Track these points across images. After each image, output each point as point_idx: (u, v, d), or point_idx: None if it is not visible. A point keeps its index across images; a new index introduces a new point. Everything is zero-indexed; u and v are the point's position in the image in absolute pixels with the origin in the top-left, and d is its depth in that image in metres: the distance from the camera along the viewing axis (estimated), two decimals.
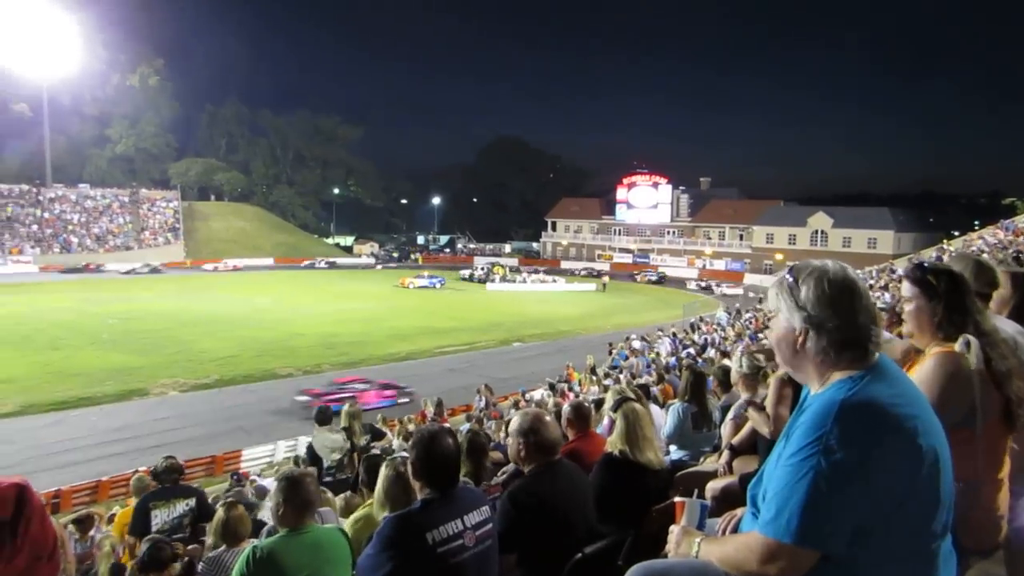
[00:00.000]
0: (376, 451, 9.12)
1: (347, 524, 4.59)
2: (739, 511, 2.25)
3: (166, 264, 75.23)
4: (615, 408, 4.35)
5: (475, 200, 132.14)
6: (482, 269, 75.78)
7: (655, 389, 11.53)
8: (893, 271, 27.57)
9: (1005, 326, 2.69)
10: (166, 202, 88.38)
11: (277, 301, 50.83)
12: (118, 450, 19.82)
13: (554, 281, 71.31)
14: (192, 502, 6.79)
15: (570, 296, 63.39)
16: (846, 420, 1.63)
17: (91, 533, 7.45)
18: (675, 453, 6.09)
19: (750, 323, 26.98)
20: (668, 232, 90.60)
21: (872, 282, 24.49)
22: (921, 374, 2.35)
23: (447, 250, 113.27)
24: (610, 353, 25.48)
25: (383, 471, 3.97)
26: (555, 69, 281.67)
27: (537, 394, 19.75)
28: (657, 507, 3.53)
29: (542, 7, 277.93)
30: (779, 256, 74.26)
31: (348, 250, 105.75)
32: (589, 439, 5.02)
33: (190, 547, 5.66)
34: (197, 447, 19.56)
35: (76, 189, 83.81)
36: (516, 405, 17.38)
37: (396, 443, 11.68)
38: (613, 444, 4.21)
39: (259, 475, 15.49)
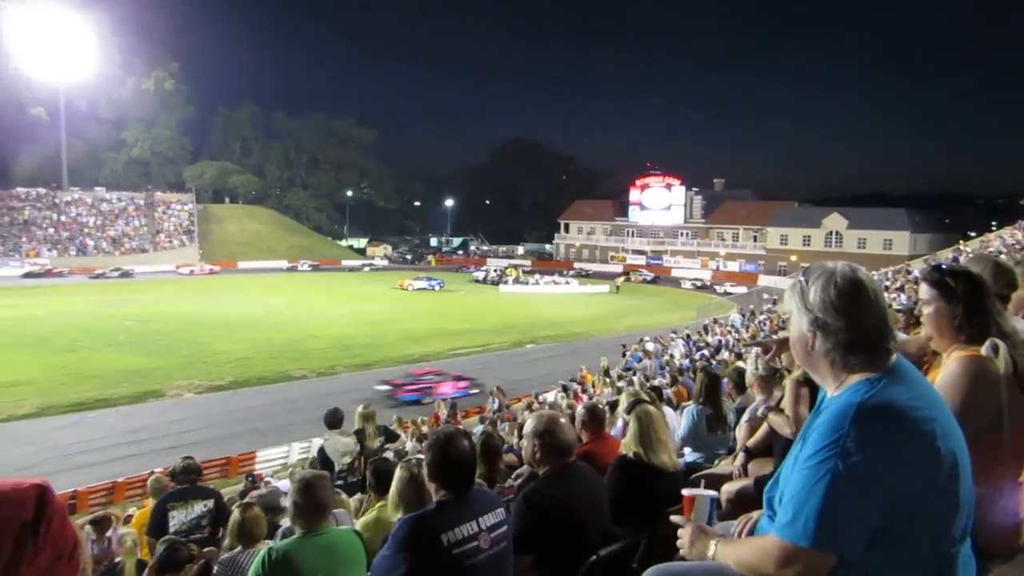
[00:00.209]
0: (389, 453, 9.13)
1: (357, 526, 4.60)
2: (755, 514, 2.23)
3: (179, 266, 75.70)
4: (629, 410, 4.34)
5: (488, 202, 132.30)
6: (495, 271, 75.81)
7: (669, 391, 11.51)
8: (909, 272, 27.37)
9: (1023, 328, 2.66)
10: (181, 205, 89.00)
11: (290, 303, 51.07)
12: (134, 451, 19.97)
13: (567, 283, 71.21)
14: (210, 503, 6.83)
15: (583, 298, 63.31)
16: (863, 423, 1.61)
17: (108, 534, 7.48)
18: (689, 455, 6.07)
19: (765, 324, 26.84)
20: (681, 234, 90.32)
21: (888, 284, 24.31)
22: (946, 378, 2.33)
23: (460, 252, 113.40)
24: (623, 355, 25.44)
25: (398, 473, 3.98)
26: (569, 71, 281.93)
27: (550, 396, 19.74)
28: (671, 510, 3.52)
29: (555, 11, 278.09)
30: (793, 257, 73.87)
31: (362, 252, 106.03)
32: (603, 441, 5.02)
33: (206, 549, 5.69)
34: (212, 448, 19.66)
35: (92, 192, 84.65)
36: (529, 407, 17.38)
37: (410, 445, 11.69)
38: (627, 446, 4.19)
39: (273, 476, 15.54)
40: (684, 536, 2.14)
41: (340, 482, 7.76)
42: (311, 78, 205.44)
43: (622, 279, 73.47)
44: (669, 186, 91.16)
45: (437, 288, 63.43)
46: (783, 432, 4.20)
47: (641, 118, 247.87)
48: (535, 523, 3.29)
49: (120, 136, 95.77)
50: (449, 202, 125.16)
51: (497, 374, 28.58)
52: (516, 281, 69.70)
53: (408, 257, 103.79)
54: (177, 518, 6.57)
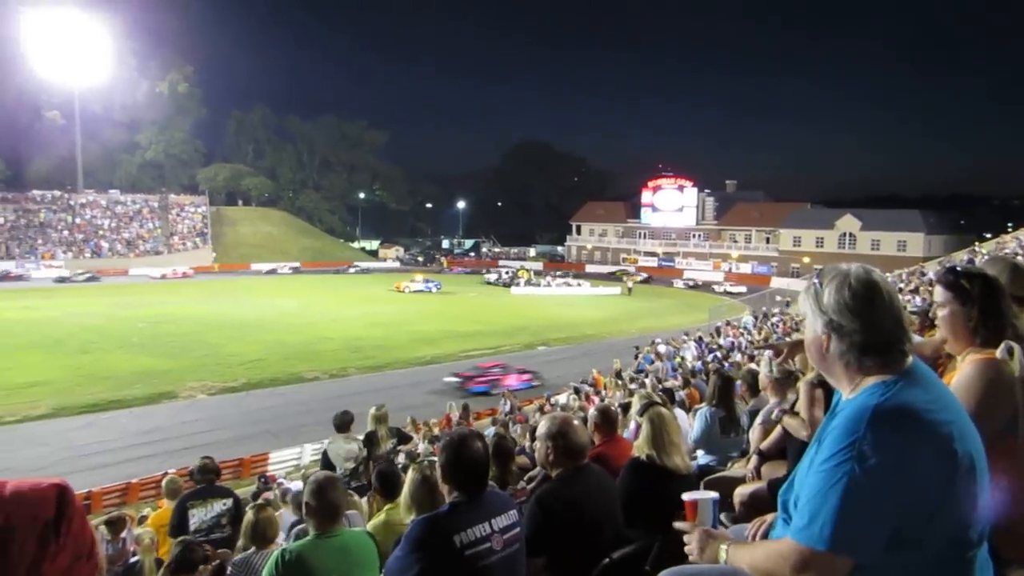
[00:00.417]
0: (401, 455, 9.15)
1: (368, 528, 4.61)
2: (769, 517, 2.22)
3: (195, 268, 76.14)
4: (641, 412, 4.34)
5: (500, 204, 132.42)
6: (507, 273, 75.77)
7: (681, 393, 11.47)
8: (923, 274, 27.16)
9: None
10: (195, 207, 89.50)
11: (303, 305, 51.23)
12: (147, 452, 20.10)
13: (579, 285, 71.11)
14: (229, 502, 6.90)
15: (595, 300, 63.19)
16: (880, 426, 1.60)
17: (123, 535, 7.53)
18: (702, 458, 6.06)
19: (778, 326, 26.72)
20: (694, 235, 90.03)
21: (902, 285, 24.15)
22: (961, 381, 2.31)
23: (472, 254, 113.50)
24: (636, 357, 25.39)
25: (410, 474, 3.99)
26: (580, 72, 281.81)
27: (562, 398, 19.73)
28: (681, 514, 3.51)
29: (568, 11, 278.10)
30: (806, 259, 73.54)
31: (374, 254, 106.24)
32: (615, 443, 5.01)
33: (220, 550, 5.72)
34: (225, 450, 19.70)
35: (107, 195, 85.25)
36: (541, 409, 17.38)
37: (422, 447, 11.72)
38: (640, 449, 4.19)
39: (286, 478, 15.60)
40: (692, 541, 2.13)
41: None
42: (323, 80, 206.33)
43: (632, 281, 73.16)
44: (681, 188, 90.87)
45: (434, 290, 62.96)
46: (798, 435, 4.18)
47: (653, 119, 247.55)
48: (548, 525, 3.29)
49: (134, 139, 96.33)
50: (461, 204, 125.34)
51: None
52: (528, 283, 69.66)
53: (420, 259, 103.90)
54: (197, 516, 6.65)
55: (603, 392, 19.15)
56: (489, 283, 73.08)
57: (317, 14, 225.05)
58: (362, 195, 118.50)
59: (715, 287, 76.04)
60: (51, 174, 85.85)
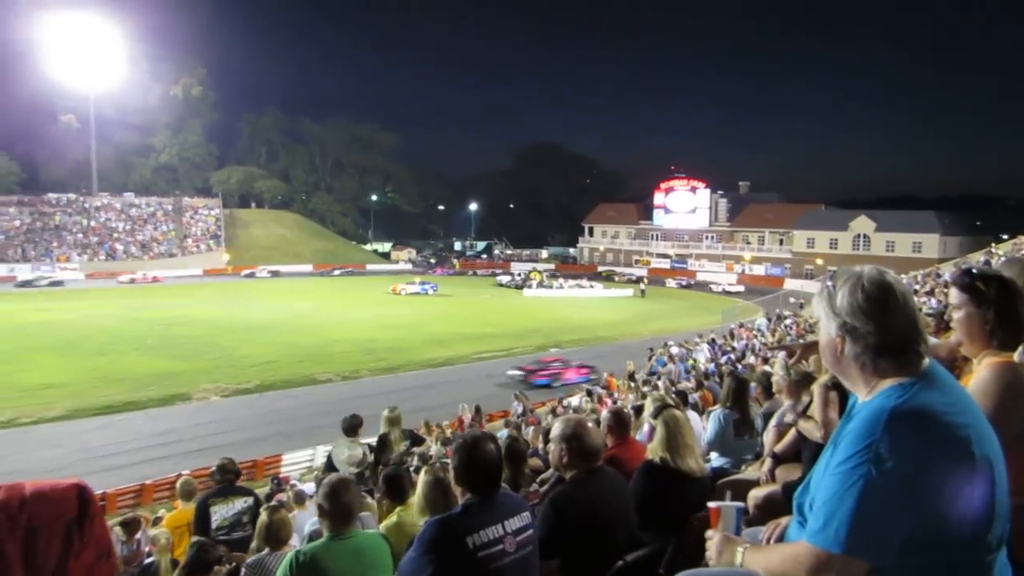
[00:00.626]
0: (414, 457, 9.14)
1: (379, 530, 4.62)
2: (784, 520, 2.21)
3: (208, 271, 76.60)
4: (655, 415, 4.32)
5: (512, 206, 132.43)
6: (519, 275, 75.73)
7: (694, 396, 11.44)
8: (939, 276, 27.01)
9: None
10: (208, 210, 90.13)
11: (316, 307, 51.39)
12: (162, 454, 20.20)
13: (591, 287, 71.03)
14: (250, 500, 6.97)
15: (608, 302, 63.12)
16: (897, 428, 1.59)
17: (137, 536, 7.57)
18: (716, 460, 6.04)
19: (791, 328, 26.60)
20: (706, 237, 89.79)
21: (917, 287, 24.01)
22: (978, 385, 2.29)
23: (484, 256, 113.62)
24: (650, 359, 25.35)
25: (423, 476, 3.99)
26: (593, 74, 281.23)
27: (575, 400, 19.69)
28: (698, 515, 3.50)
29: (579, 13, 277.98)
30: (820, 261, 73.19)
31: (386, 256, 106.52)
32: (629, 446, 5.00)
33: (235, 553, 5.74)
34: (238, 451, 19.65)
35: (121, 198, 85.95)
36: (553, 411, 17.35)
37: (435, 449, 11.72)
38: (654, 451, 4.18)
39: (299, 479, 15.64)
40: (711, 546, 2.13)
41: None
42: (335, 83, 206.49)
43: (642, 283, 73.11)
44: (694, 189, 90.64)
45: (431, 292, 62.60)
46: (813, 437, 4.17)
47: (665, 121, 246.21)
48: (561, 527, 3.29)
49: (148, 142, 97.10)
50: (473, 206, 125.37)
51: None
52: (540, 285, 69.63)
53: (432, 261, 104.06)
54: (219, 513, 6.72)
55: (616, 394, 19.10)
56: (501, 285, 73.12)
57: (328, 17, 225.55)
58: (374, 197, 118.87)
59: (712, 287, 76.56)
60: (66, 177, 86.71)
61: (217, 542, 6.24)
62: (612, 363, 27.91)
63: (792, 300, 49.93)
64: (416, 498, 4.05)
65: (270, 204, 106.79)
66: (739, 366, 17.14)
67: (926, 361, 1.74)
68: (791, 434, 4.54)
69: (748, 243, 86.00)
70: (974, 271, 2.51)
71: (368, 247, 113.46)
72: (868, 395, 1.76)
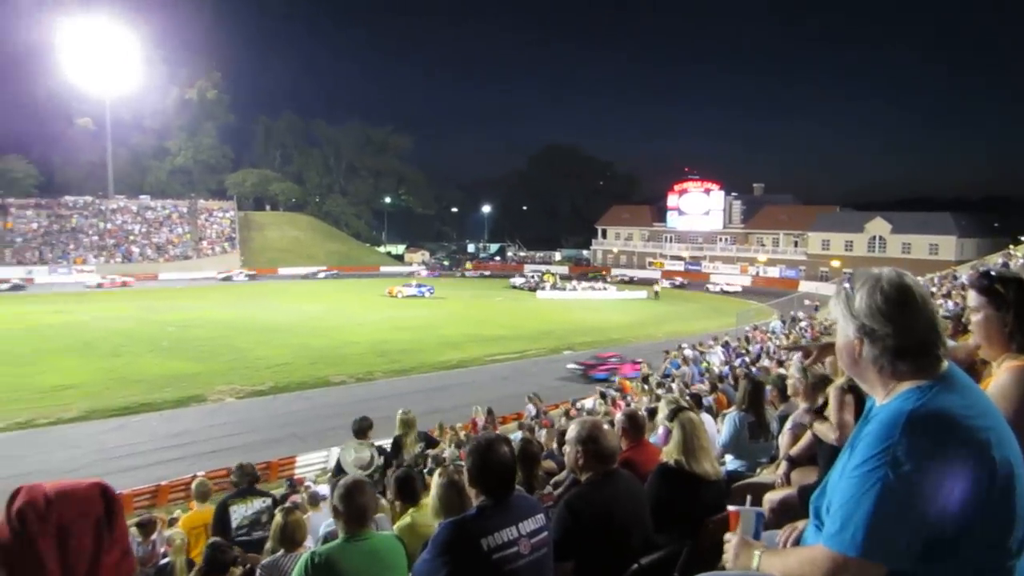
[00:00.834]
0: (428, 460, 9.14)
1: (393, 531, 4.63)
2: (800, 523, 2.20)
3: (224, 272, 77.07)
4: (671, 417, 4.31)
5: (525, 208, 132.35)
6: (532, 277, 75.70)
7: (709, 398, 11.40)
8: (956, 278, 26.76)
9: None
10: (223, 212, 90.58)
11: (330, 310, 51.57)
12: (177, 455, 20.32)
13: (604, 289, 70.91)
14: (268, 500, 7.04)
15: (621, 304, 62.96)
16: (915, 431, 1.58)
17: (153, 537, 7.62)
18: (731, 463, 6.01)
19: (806, 331, 26.47)
20: (720, 239, 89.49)
21: (934, 289, 23.82)
22: (998, 388, 2.27)
23: (497, 258, 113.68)
24: (664, 361, 25.32)
25: (436, 479, 4.00)
26: (606, 76, 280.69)
27: (588, 403, 19.65)
28: (713, 518, 3.49)
29: (592, 15, 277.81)
30: (835, 263, 72.80)
31: (400, 258, 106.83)
32: (643, 448, 4.99)
33: (251, 554, 5.78)
34: (253, 453, 19.85)
35: (137, 200, 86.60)
36: (567, 414, 17.34)
37: (448, 451, 11.73)
38: (669, 454, 4.17)
39: (314, 481, 15.70)
40: (729, 549, 2.13)
41: None
42: (349, 86, 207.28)
43: (655, 286, 73.05)
44: (708, 191, 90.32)
45: (427, 295, 62.01)
46: (827, 439, 4.14)
47: (679, 122, 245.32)
48: (577, 529, 3.29)
49: (164, 145, 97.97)
50: (486, 208, 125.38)
51: (535, 380, 28.57)
52: (553, 287, 69.57)
53: (446, 263, 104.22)
54: (238, 512, 6.80)
55: (629, 397, 19.06)
56: (514, 287, 73.14)
57: (343, 20, 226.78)
58: (388, 200, 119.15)
59: (709, 287, 76.86)
60: (83, 180, 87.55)
61: (237, 542, 6.30)
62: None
63: (807, 302, 49.65)
64: (430, 500, 4.05)
65: (284, 207, 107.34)
66: (753, 369, 17.07)
67: (945, 364, 1.73)
68: (806, 437, 4.52)
69: (762, 245, 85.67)
70: (993, 273, 2.49)
71: (382, 249, 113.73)
72: (886, 398, 1.75)
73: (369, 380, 30.29)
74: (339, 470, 8.10)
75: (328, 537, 4.86)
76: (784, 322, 34.64)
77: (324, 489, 10.32)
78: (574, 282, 73.80)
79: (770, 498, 3.92)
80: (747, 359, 21.49)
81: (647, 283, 76.45)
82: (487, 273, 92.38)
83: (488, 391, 26.20)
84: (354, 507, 3.44)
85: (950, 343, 2.74)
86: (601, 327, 46.95)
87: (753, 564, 2.00)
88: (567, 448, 3.74)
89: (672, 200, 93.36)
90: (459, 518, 2.91)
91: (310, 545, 5.12)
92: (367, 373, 31.36)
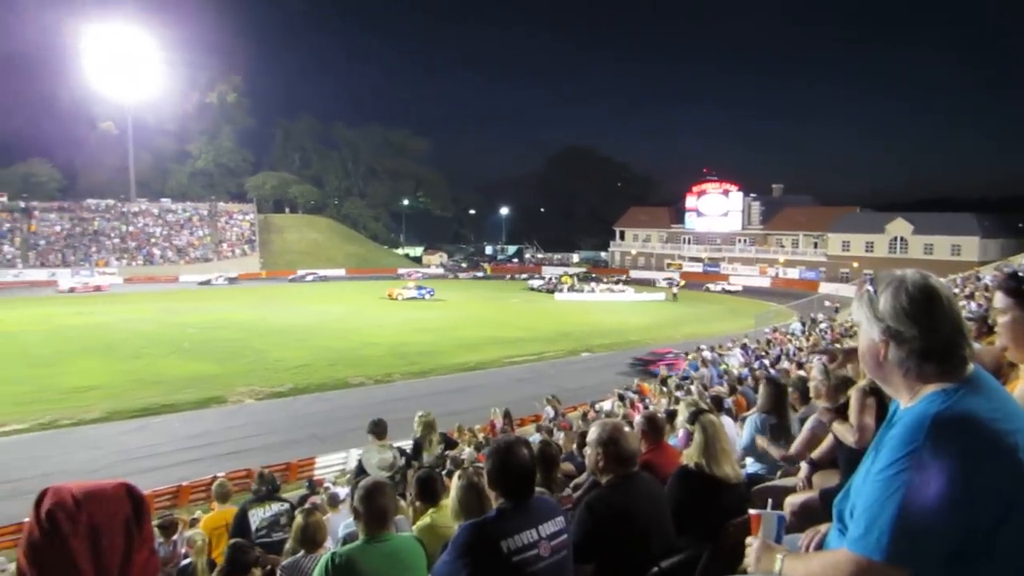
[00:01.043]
0: (448, 462, 9.15)
1: (412, 532, 4.64)
2: (823, 527, 2.19)
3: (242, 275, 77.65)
4: (692, 420, 4.29)
5: (543, 210, 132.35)
6: (550, 279, 75.66)
7: (728, 401, 11.34)
8: (979, 279, 26.46)
9: None
10: (243, 215, 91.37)
11: (350, 311, 51.79)
12: (197, 456, 20.47)
13: (623, 291, 70.73)
14: (286, 505, 7.12)
15: (639, 306, 62.70)
16: (940, 435, 1.57)
17: (174, 537, 7.69)
18: (751, 466, 5.98)
19: (826, 333, 26.27)
20: (739, 240, 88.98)
21: (957, 291, 23.56)
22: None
23: (515, 260, 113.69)
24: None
25: (455, 481, 4.00)
26: (623, 77, 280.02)
27: (607, 405, 19.59)
28: (734, 522, 3.47)
29: (609, 16, 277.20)
30: (856, 264, 72.21)
31: (418, 260, 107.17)
32: (662, 451, 4.97)
33: (270, 555, 5.82)
34: (272, 454, 20.03)
35: (158, 203, 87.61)
36: (585, 416, 17.28)
37: (467, 452, 11.74)
38: (689, 457, 4.15)
39: (333, 482, 15.76)
40: (750, 553, 2.11)
41: None
42: (367, 89, 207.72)
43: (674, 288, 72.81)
44: (726, 192, 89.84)
45: (428, 297, 61.62)
46: (846, 441, 4.12)
47: (697, 123, 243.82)
48: (597, 532, 3.28)
49: (185, 148, 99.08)
50: (504, 210, 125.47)
51: (552, 382, 28.54)
52: (571, 289, 69.45)
53: (463, 265, 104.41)
54: (257, 515, 6.89)
55: (648, 399, 18.98)
56: (532, 289, 73.12)
57: (361, 24, 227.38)
58: (406, 202, 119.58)
59: (709, 287, 77.18)
60: (105, 183, 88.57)
61: (256, 544, 6.35)
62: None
63: (827, 304, 49.27)
64: (450, 502, 4.06)
65: (303, 209, 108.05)
66: (772, 371, 16.95)
67: (971, 366, 1.71)
68: (828, 440, 4.49)
69: (782, 246, 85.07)
70: (1021, 274, 2.46)
71: (400, 251, 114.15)
72: (910, 401, 1.74)
73: (388, 382, 30.38)
74: (361, 471, 8.12)
75: (348, 538, 4.88)
76: (804, 324, 34.40)
77: (343, 490, 10.35)
78: (592, 284, 73.60)
79: (791, 501, 3.89)
80: (766, 361, 21.34)
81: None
82: (507, 276, 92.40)
83: (506, 393, 26.21)
84: (374, 508, 3.45)
85: (975, 345, 2.71)
86: (619, 329, 46.82)
87: (775, 568, 1.98)
88: (588, 450, 3.74)
89: (690, 201, 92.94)
90: (479, 520, 2.91)
91: (330, 546, 5.14)
92: (386, 375, 31.46)
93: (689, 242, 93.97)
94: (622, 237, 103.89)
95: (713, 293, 74.33)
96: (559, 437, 12.68)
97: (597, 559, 3.26)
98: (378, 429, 8.24)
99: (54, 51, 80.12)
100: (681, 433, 5.54)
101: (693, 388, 16.01)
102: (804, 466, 4.54)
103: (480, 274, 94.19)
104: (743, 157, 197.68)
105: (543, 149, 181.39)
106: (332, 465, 19.66)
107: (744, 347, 26.11)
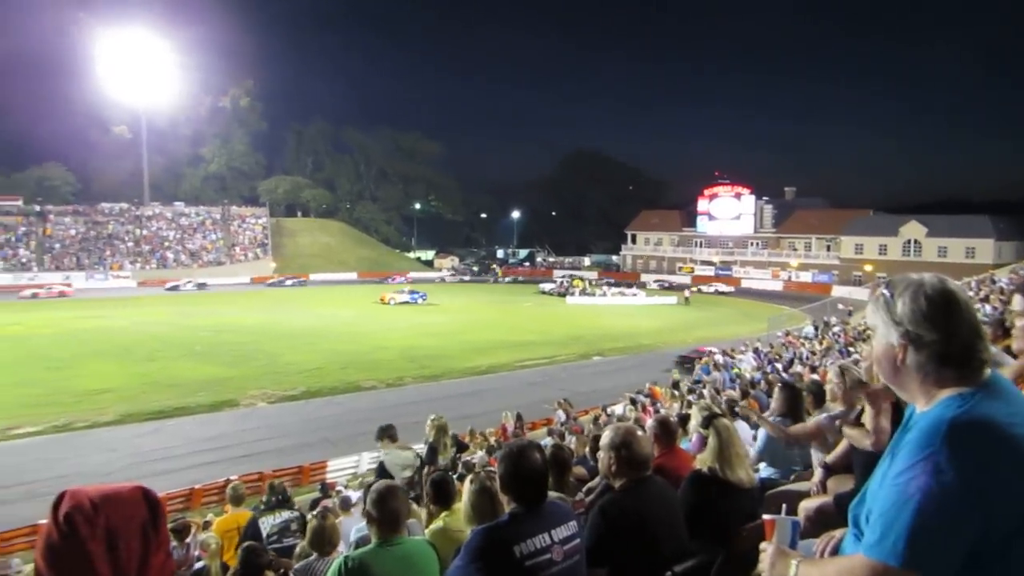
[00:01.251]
0: (460, 465, 9.16)
1: (425, 536, 4.64)
2: (838, 532, 2.17)
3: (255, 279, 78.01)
4: (705, 424, 4.27)
5: (554, 213, 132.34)
6: (561, 283, 75.66)
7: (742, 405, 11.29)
8: (994, 282, 26.27)
9: None
10: (255, 219, 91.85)
11: (359, 315, 51.96)
12: (210, 459, 20.54)
13: (634, 295, 70.55)
14: (295, 512, 7.21)
15: (651, 309, 62.54)
16: (957, 439, 1.55)
17: (187, 540, 7.72)
18: (764, 471, 5.95)
19: (839, 337, 26.14)
20: (751, 243, 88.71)
21: (972, 294, 23.39)
22: None
23: (526, 263, 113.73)
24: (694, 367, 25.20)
25: (468, 485, 4.00)
26: (634, 79, 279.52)
27: (618, 408, 19.56)
28: (747, 526, 3.45)
29: (619, 17, 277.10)
30: (869, 267, 71.83)
31: (429, 264, 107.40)
32: (674, 455, 4.95)
33: (283, 559, 5.84)
34: (284, 457, 20.11)
35: (172, 207, 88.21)
36: (596, 420, 17.26)
37: (479, 456, 11.75)
38: (703, 461, 4.13)
39: (345, 486, 15.78)
40: (764, 558, 2.10)
41: None
42: (379, 92, 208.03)
43: (686, 291, 72.63)
44: (738, 195, 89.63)
45: (420, 301, 61.07)
46: (861, 445, 4.09)
47: (708, 126, 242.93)
48: (610, 536, 3.27)
49: (198, 152, 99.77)
50: (515, 214, 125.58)
51: (564, 386, 28.51)
52: (583, 292, 69.37)
53: (475, 269, 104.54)
54: (268, 522, 6.97)
55: (659, 403, 18.93)
56: (544, 293, 73.07)
57: (373, 28, 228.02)
58: (417, 206, 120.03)
59: (703, 287, 77.33)
60: (119, 187, 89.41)
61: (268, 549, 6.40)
62: (655, 371, 27.75)
63: (840, 307, 49.00)
64: (463, 506, 4.06)
65: (316, 213, 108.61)
66: (785, 375, 16.88)
67: (988, 370, 1.69)
68: (842, 445, 4.46)
69: (794, 249, 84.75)
70: None
71: (411, 255, 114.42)
72: (927, 405, 1.72)
73: (400, 386, 30.42)
74: (382, 473, 8.13)
75: (360, 542, 4.89)
76: (817, 327, 34.25)
77: (356, 494, 10.38)
78: (604, 287, 73.51)
79: (806, 506, 3.87)
80: (779, 365, 21.26)
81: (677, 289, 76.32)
82: (521, 279, 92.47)
83: (517, 396, 26.19)
84: (387, 512, 3.46)
85: (993, 350, 2.69)
86: (631, 333, 46.73)
87: (790, 573, 1.96)
88: (600, 454, 3.73)
89: (702, 205, 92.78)
90: (492, 525, 2.91)
91: (342, 550, 5.15)
92: (397, 378, 31.50)
93: (701, 245, 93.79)
94: (633, 240, 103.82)
95: (717, 296, 74.55)
96: (571, 441, 12.67)
97: (610, 563, 3.25)
98: (390, 432, 8.28)
99: (68, 55, 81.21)
100: (695, 437, 5.52)
101: (705, 392, 15.96)
102: (818, 470, 4.51)
103: (491, 278, 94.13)
104: (755, 159, 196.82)
105: (553, 151, 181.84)
106: (344, 468, 19.69)
107: (756, 351, 26.02)
